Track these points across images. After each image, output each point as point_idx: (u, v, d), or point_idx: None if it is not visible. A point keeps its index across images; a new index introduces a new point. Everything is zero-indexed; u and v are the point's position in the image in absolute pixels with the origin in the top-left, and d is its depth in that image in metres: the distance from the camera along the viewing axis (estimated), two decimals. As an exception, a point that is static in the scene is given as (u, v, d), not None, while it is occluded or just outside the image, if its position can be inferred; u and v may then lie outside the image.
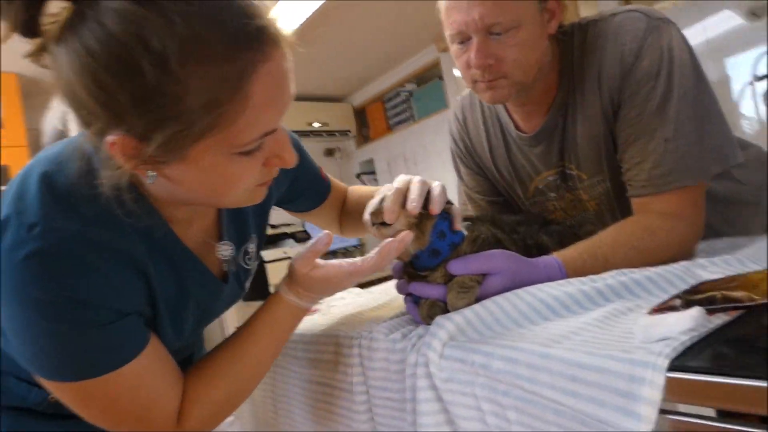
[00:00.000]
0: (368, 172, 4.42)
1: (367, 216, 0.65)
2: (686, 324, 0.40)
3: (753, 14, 1.94)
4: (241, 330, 0.69)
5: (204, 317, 0.73)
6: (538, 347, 0.46)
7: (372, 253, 0.64)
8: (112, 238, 0.54)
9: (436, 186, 0.64)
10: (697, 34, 2.14)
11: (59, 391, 0.55)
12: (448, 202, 0.65)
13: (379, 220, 0.63)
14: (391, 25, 3.13)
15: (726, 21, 2.24)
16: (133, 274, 0.56)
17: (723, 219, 0.94)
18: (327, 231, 0.69)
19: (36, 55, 0.48)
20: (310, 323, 0.92)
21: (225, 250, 0.70)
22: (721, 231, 0.94)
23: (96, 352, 0.54)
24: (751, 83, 1.66)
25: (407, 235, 0.62)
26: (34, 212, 0.50)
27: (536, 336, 0.50)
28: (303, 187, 0.88)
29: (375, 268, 0.65)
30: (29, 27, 0.46)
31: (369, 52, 3.51)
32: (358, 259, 0.67)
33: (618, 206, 0.91)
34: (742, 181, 0.93)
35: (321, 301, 1.17)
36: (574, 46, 0.85)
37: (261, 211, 0.79)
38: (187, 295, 0.65)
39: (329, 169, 0.98)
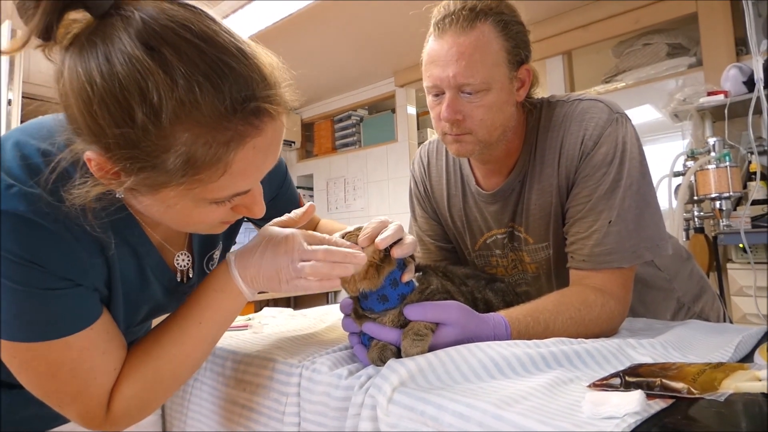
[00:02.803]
0: (305, 188, 4.38)
1: (338, 235, 0.66)
2: (632, 406, 0.43)
3: (675, 116, 2.20)
4: (178, 310, 0.67)
5: (156, 311, 0.73)
6: (492, 407, 0.48)
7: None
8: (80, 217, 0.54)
9: (409, 236, 0.66)
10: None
11: (5, 350, 0.55)
12: (411, 256, 0.67)
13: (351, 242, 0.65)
14: (356, 49, 3.18)
15: (646, 114, 2.55)
16: (94, 253, 0.57)
17: (639, 300, 1.04)
18: (311, 203, 0.70)
19: (46, 48, 0.48)
20: (240, 340, 0.88)
21: (182, 260, 0.71)
22: (636, 310, 1.04)
23: (46, 316, 0.54)
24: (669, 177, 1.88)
25: (361, 259, 0.62)
26: (12, 174, 0.52)
27: (488, 395, 0.51)
28: (279, 209, 0.88)
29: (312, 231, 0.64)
30: (47, 33, 0.47)
31: (329, 70, 3.52)
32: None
33: (555, 274, 0.97)
34: (660, 268, 1.04)
35: (251, 317, 1.14)
36: (540, 120, 0.92)
37: (233, 222, 0.77)
38: (147, 287, 0.66)
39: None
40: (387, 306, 0.66)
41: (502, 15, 0.83)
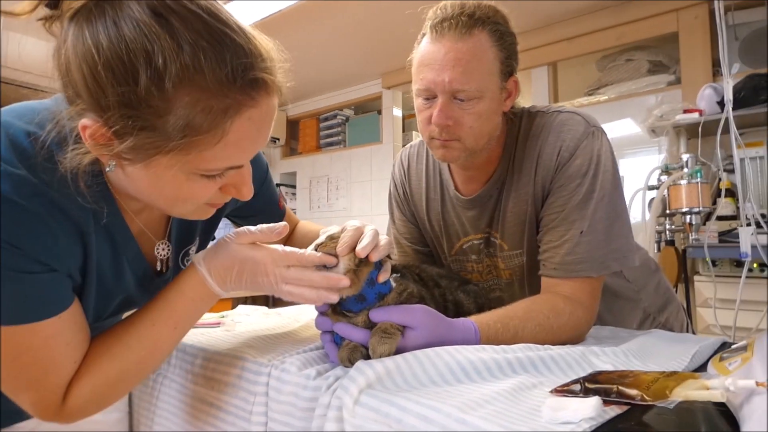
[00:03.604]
0: (288, 185, 4.35)
1: (311, 248, 0.66)
2: (588, 412, 0.45)
3: (653, 131, 2.26)
4: (145, 307, 0.66)
5: (127, 304, 0.71)
6: (455, 411, 0.49)
7: (311, 250, 0.64)
8: (63, 201, 0.54)
9: (383, 237, 0.67)
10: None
11: None
12: (387, 255, 0.67)
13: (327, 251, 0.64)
14: (344, 48, 3.19)
15: (627, 127, 2.61)
16: (73, 238, 0.56)
17: (607, 308, 1.07)
18: (284, 223, 0.67)
19: (48, 21, 0.49)
20: (212, 338, 0.88)
21: (162, 250, 0.71)
22: (604, 318, 1.07)
23: (16, 300, 0.53)
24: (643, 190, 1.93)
25: (344, 280, 0.62)
26: None
27: (453, 398, 0.52)
28: (258, 208, 0.89)
29: (301, 259, 0.63)
30: (55, 0, 0.48)
31: (317, 68, 3.52)
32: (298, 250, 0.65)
33: (528, 280, 0.99)
34: (628, 279, 1.07)
35: (225, 315, 1.13)
36: (520, 129, 0.94)
37: (212, 218, 0.77)
38: (121, 277, 0.65)
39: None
40: (365, 305, 0.66)
41: (498, 24, 0.85)
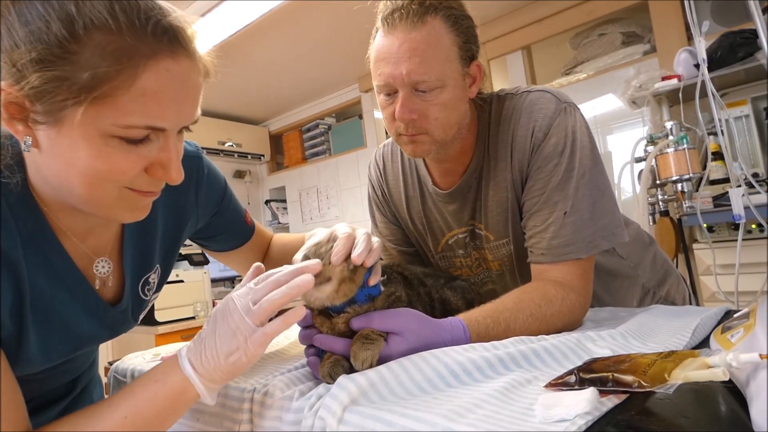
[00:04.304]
0: (278, 200, 4.31)
1: (299, 256, 0.61)
2: (582, 407, 0.41)
3: (633, 102, 2.23)
4: (122, 389, 0.59)
5: (82, 342, 0.65)
6: (442, 420, 0.45)
7: (277, 320, 0.56)
8: None
9: (375, 240, 0.63)
10: (586, 111, 2.44)
11: None
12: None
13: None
14: (319, 57, 3.16)
15: (610, 103, 2.59)
16: (1, 272, 0.52)
17: (605, 289, 1.03)
18: (258, 264, 0.61)
19: None
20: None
21: (102, 267, 0.65)
22: (603, 299, 1.03)
23: None
24: (630, 163, 1.90)
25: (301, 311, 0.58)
26: None
27: (441, 406, 0.49)
28: (223, 226, 0.85)
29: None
30: None
31: (293, 80, 3.48)
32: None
33: (518, 269, 0.95)
34: (623, 256, 1.03)
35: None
36: (491, 115, 0.90)
37: (171, 241, 0.73)
38: (66, 307, 0.60)
39: (237, 192, 0.96)
40: (353, 305, 0.63)
41: (451, 9, 0.81)
